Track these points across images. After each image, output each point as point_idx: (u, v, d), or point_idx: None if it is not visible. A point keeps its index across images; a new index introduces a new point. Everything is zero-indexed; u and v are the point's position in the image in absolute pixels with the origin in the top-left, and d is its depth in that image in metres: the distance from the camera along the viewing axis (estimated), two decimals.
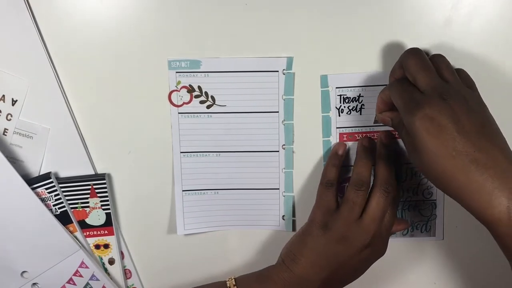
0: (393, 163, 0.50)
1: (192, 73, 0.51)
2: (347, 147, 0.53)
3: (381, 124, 0.52)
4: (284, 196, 0.55)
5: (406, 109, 0.42)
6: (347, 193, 0.49)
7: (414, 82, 0.44)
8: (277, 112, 0.53)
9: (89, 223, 0.55)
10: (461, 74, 0.46)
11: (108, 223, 0.55)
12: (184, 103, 0.52)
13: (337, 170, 0.51)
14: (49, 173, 0.53)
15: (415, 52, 0.45)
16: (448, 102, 0.41)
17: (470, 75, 0.47)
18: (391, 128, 0.51)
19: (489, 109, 0.44)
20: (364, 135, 0.53)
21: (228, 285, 0.50)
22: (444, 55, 0.47)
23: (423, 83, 0.43)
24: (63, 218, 0.54)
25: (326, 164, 0.52)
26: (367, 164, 0.50)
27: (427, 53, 0.48)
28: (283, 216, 0.56)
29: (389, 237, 0.52)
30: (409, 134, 0.43)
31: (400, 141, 0.53)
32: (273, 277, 0.50)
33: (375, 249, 0.50)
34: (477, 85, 0.46)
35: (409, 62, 0.45)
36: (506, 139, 0.42)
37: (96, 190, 0.54)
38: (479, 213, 0.40)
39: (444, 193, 0.42)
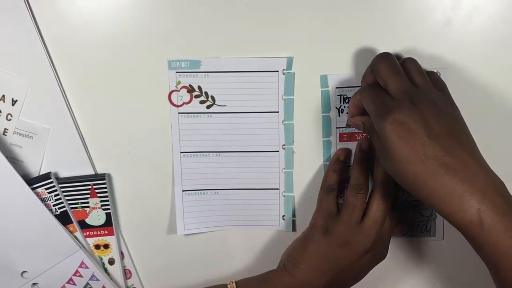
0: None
1: (192, 73, 0.51)
2: (348, 153, 0.53)
3: None
4: (284, 196, 0.55)
5: (377, 113, 0.43)
6: (347, 197, 0.49)
7: (385, 86, 0.44)
8: (277, 112, 0.53)
9: (89, 223, 0.55)
10: (432, 77, 0.46)
11: (108, 223, 0.55)
12: (184, 103, 0.52)
13: (337, 176, 0.52)
14: (49, 173, 0.53)
15: (385, 57, 0.45)
16: (418, 106, 0.41)
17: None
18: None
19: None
20: (364, 135, 0.53)
21: (229, 286, 0.50)
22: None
23: (394, 87, 0.43)
24: (63, 218, 0.54)
25: (327, 169, 0.53)
26: (365, 168, 0.50)
27: (398, 57, 0.48)
28: (283, 216, 0.56)
29: (389, 241, 0.52)
30: (379, 138, 0.43)
31: None
32: (274, 282, 0.50)
33: (376, 253, 0.50)
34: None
35: (380, 66, 0.45)
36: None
37: (96, 190, 0.54)
38: (451, 217, 0.40)
39: (416, 197, 0.42)
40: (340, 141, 0.53)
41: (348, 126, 0.52)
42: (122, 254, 0.57)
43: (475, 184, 0.39)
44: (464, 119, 0.44)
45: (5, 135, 0.52)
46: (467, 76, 0.50)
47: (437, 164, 0.40)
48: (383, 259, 0.52)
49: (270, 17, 0.50)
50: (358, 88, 0.51)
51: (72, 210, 0.54)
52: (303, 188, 0.55)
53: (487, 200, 0.39)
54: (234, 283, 0.51)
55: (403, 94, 0.42)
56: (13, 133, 0.52)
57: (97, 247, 0.56)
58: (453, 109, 0.44)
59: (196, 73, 0.51)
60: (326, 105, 0.52)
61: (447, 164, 0.39)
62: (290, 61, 0.51)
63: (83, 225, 0.55)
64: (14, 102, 0.51)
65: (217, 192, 0.55)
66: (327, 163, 0.54)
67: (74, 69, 0.51)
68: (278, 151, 0.54)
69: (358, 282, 0.52)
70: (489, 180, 0.40)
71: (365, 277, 0.52)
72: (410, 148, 0.40)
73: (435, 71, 0.49)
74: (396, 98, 0.42)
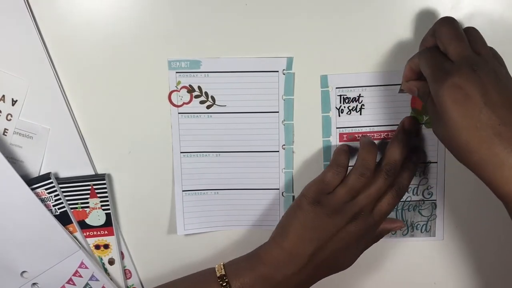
0: (406, 150, 0.49)
1: (192, 73, 0.51)
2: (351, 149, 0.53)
3: (382, 124, 0.52)
4: (284, 196, 0.55)
5: (434, 77, 0.42)
6: (349, 178, 0.49)
7: (445, 51, 0.43)
8: (277, 112, 0.53)
9: (89, 223, 0.55)
10: (493, 51, 0.46)
11: (108, 224, 0.55)
12: (184, 103, 0.52)
13: (349, 156, 0.51)
14: (49, 173, 0.53)
15: (449, 21, 0.45)
16: (478, 73, 0.41)
17: None
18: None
19: None
20: (364, 135, 0.53)
21: (216, 268, 0.50)
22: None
23: (455, 52, 0.42)
24: (63, 219, 0.54)
25: (338, 147, 0.52)
26: (373, 151, 0.49)
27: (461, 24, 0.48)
28: None
29: (381, 221, 0.51)
30: (434, 103, 0.42)
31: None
32: (262, 255, 0.50)
33: (364, 226, 0.49)
34: None
35: (442, 30, 0.44)
36: None
37: (96, 191, 0.54)
38: (498, 188, 0.40)
39: (465, 165, 0.42)
40: (340, 141, 0.53)
41: (401, 91, 0.51)
42: (122, 254, 0.57)
43: None
44: None
45: (5, 135, 0.52)
46: None
47: (492, 132, 0.39)
48: (373, 236, 0.51)
49: (270, 17, 0.50)
50: (358, 88, 0.52)
51: (72, 210, 0.54)
52: (303, 188, 0.55)
53: None
54: (222, 265, 0.50)
55: (463, 59, 0.42)
56: (13, 133, 0.52)
57: (97, 247, 0.56)
58: (511, 83, 0.43)
59: (196, 73, 0.51)
60: (326, 105, 0.52)
61: (502, 134, 0.39)
62: (290, 61, 0.51)
63: (83, 225, 0.55)
64: (14, 102, 0.51)
65: (217, 192, 0.55)
66: (327, 163, 0.53)
67: (74, 69, 0.51)
68: (278, 151, 0.54)
69: (359, 282, 0.52)
70: None
71: (365, 277, 0.52)
72: (466, 113, 0.40)
73: None
74: (456, 63, 0.42)
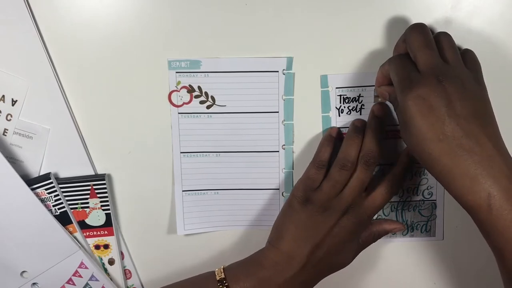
0: (380, 137, 0.50)
1: (192, 73, 0.51)
2: (339, 132, 0.53)
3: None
4: (284, 196, 0.55)
5: (401, 86, 0.42)
6: (331, 171, 0.49)
7: (414, 59, 0.44)
8: (277, 112, 0.53)
9: (89, 223, 0.55)
10: (467, 55, 0.46)
11: (108, 224, 0.55)
12: (184, 103, 0.52)
13: (330, 152, 0.51)
14: (49, 173, 0.53)
15: (419, 28, 0.45)
16: (443, 84, 0.41)
17: None
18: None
19: None
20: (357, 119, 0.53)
21: (216, 272, 0.50)
22: None
23: (422, 61, 0.43)
24: (63, 219, 0.54)
25: (320, 144, 0.52)
26: (355, 144, 0.49)
27: (432, 30, 0.47)
28: None
29: (374, 214, 0.51)
30: (401, 112, 0.43)
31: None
32: (260, 259, 0.50)
33: (356, 219, 0.50)
34: None
35: (412, 38, 0.44)
36: (506, 137, 0.42)
37: (96, 191, 0.54)
38: (461, 198, 0.40)
39: (430, 174, 0.42)
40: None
41: (376, 97, 0.51)
42: (122, 254, 0.57)
43: (489, 168, 0.39)
44: None
45: (5, 135, 0.52)
46: None
47: (454, 144, 0.40)
48: (366, 226, 0.52)
49: (270, 17, 0.50)
50: (358, 88, 0.52)
51: (72, 210, 0.54)
52: (293, 188, 0.55)
53: (499, 186, 0.39)
54: (221, 268, 0.50)
55: (430, 69, 0.42)
56: (13, 133, 0.52)
57: (97, 247, 0.56)
58: (480, 90, 0.43)
59: (196, 73, 0.51)
60: (326, 105, 0.52)
61: (463, 145, 0.40)
62: (290, 61, 0.51)
63: (83, 226, 0.55)
64: (14, 102, 0.51)
65: (217, 192, 0.55)
66: None
67: (74, 69, 0.51)
68: (278, 151, 0.54)
69: (359, 282, 0.52)
70: (504, 167, 0.39)
71: (365, 277, 0.52)
72: (429, 125, 0.40)
73: None
74: (422, 72, 0.42)
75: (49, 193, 0.53)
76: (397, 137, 0.53)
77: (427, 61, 0.42)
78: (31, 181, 0.52)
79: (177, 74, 0.51)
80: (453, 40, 0.45)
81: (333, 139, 0.52)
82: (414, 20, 0.49)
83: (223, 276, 0.49)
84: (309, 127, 0.53)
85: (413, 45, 0.44)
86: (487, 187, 0.39)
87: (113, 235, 0.55)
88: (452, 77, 0.41)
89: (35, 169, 0.53)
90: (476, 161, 0.39)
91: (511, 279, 0.41)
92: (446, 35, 0.45)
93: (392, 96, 0.47)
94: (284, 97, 0.52)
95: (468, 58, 0.45)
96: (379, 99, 0.51)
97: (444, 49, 0.44)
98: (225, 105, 0.52)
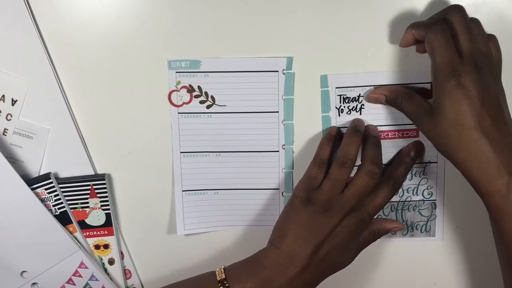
0: (380, 146, 0.51)
1: (192, 73, 0.51)
2: (339, 131, 0.53)
3: (382, 124, 0.52)
4: (284, 196, 0.55)
5: (444, 71, 0.43)
6: (331, 170, 0.49)
7: (455, 37, 0.44)
8: (277, 112, 0.53)
9: (89, 223, 0.55)
10: (493, 43, 0.47)
11: (108, 223, 0.55)
12: (184, 103, 0.52)
13: (330, 150, 0.51)
14: (49, 173, 0.53)
15: (461, 10, 0.45)
16: (481, 74, 0.43)
17: None
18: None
19: None
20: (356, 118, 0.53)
21: (217, 272, 0.50)
22: None
23: (465, 46, 0.44)
24: (63, 219, 0.54)
25: (320, 143, 0.52)
26: (355, 142, 0.50)
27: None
28: None
29: (375, 214, 0.51)
30: (415, 101, 0.46)
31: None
32: (262, 259, 0.50)
33: (358, 219, 0.50)
34: None
35: (456, 18, 0.44)
36: None
37: (96, 191, 0.54)
38: (480, 183, 0.43)
39: (450, 161, 0.44)
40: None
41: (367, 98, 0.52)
42: (122, 254, 0.57)
43: (510, 157, 0.42)
44: None
45: (5, 135, 0.52)
46: None
47: (483, 132, 0.42)
48: (366, 226, 0.52)
49: (270, 17, 0.50)
50: (358, 88, 0.52)
51: (72, 210, 0.54)
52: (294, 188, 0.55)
53: None
54: (222, 269, 0.50)
55: (471, 56, 0.43)
56: (13, 133, 0.52)
57: (97, 247, 0.56)
58: (500, 80, 0.46)
59: (196, 73, 0.51)
60: (326, 105, 0.52)
61: (491, 134, 0.42)
62: (290, 61, 0.51)
63: (83, 225, 0.55)
64: (14, 102, 0.51)
65: (217, 192, 0.55)
66: None
67: (74, 69, 0.51)
68: (278, 151, 0.54)
69: (359, 282, 0.51)
70: None
71: (365, 276, 0.52)
72: (464, 112, 0.42)
73: None
74: (464, 59, 0.43)
75: (49, 193, 0.53)
76: (397, 137, 0.53)
77: (469, 48, 0.44)
78: (31, 181, 0.52)
79: (177, 74, 0.51)
80: (483, 27, 0.46)
81: (333, 138, 0.52)
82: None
83: (223, 276, 0.49)
84: (309, 127, 0.53)
85: (458, 25, 0.44)
86: (507, 175, 0.42)
87: (113, 235, 0.55)
88: (488, 68, 0.44)
89: (35, 169, 0.53)
90: (500, 150, 0.42)
91: None
92: (479, 22, 0.46)
93: (389, 97, 0.49)
94: (284, 97, 0.52)
95: (494, 46, 0.47)
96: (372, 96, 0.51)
97: (479, 36, 0.45)
98: (225, 105, 0.52)
